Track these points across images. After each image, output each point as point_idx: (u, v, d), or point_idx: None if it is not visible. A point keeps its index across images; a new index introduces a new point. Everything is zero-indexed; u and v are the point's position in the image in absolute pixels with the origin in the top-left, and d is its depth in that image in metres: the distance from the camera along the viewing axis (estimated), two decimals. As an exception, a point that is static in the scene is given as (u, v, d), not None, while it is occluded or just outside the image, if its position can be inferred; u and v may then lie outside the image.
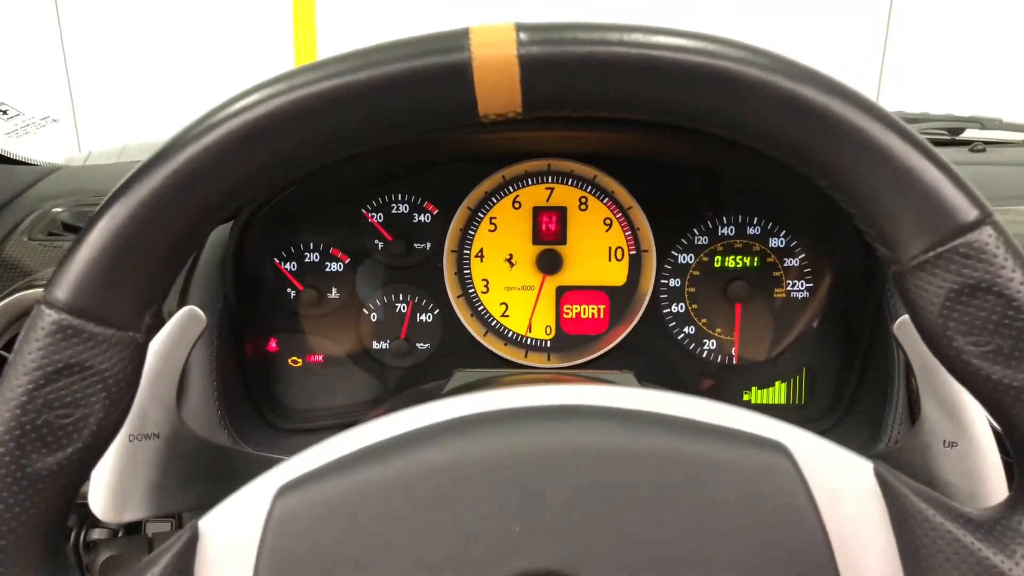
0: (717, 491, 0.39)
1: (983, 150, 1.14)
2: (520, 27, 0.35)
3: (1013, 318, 0.34)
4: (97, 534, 0.72)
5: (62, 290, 0.35)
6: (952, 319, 0.35)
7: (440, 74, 0.35)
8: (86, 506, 0.51)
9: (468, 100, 0.35)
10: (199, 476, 0.55)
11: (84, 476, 0.37)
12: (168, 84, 3.29)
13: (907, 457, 0.53)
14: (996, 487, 0.49)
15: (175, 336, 0.52)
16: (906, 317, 0.50)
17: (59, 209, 0.84)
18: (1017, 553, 0.37)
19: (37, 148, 1.03)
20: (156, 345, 0.51)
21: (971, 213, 0.34)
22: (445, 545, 0.38)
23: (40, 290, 0.69)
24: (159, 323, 0.39)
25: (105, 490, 0.50)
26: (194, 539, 0.40)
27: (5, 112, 1.05)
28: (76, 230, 0.82)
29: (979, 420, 0.50)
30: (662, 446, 0.40)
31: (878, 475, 0.41)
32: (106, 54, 3.35)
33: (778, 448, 0.41)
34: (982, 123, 1.29)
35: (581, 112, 0.37)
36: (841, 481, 0.41)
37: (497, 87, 0.35)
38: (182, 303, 0.72)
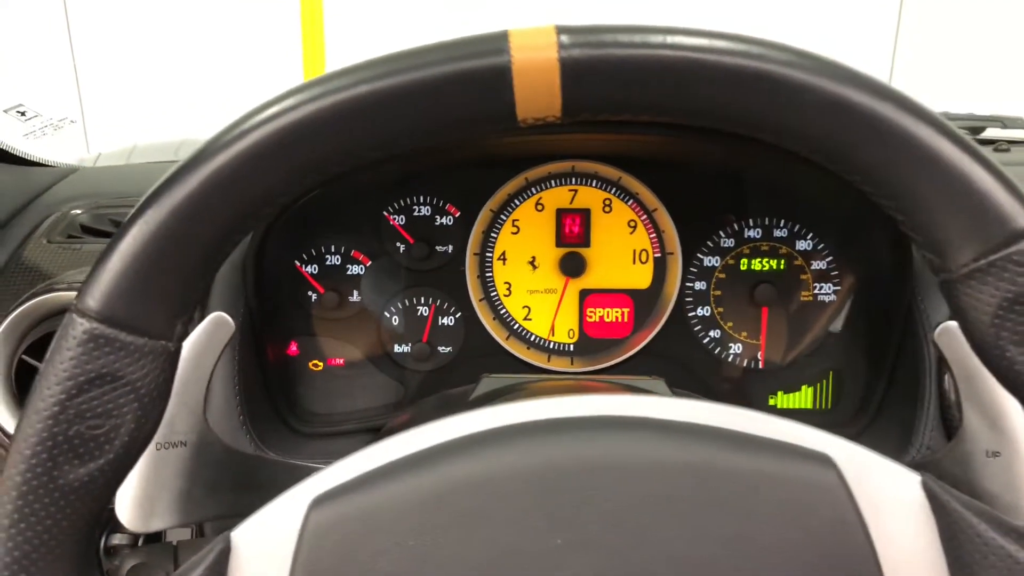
0: (761, 505, 0.38)
1: (1007, 149, 1.12)
2: (561, 29, 0.34)
3: None
4: (118, 539, 0.71)
5: (94, 298, 0.34)
6: (1005, 328, 0.34)
7: (479, 78, 0.34)
8: (108, 511, 0.50)
9: (507, 105, 0.35)
10: (225, 484, 0.55)
11: (115, 487, 0.36)
12: (176, 84, 3.29)
13: (948, 467, 0.52)
14: (1041, 498, 0.48)
15: (203, 343, 0.51)
16: (948, 324, 0.49)
17: (77, 211, 0.83)
18: None
19: (46, 149, 1.02)
20: (185, 352, 0.50)
21: None
22: (483, 559, 0.37)
23: (62, 294, 0.69)
24: (189, 331, 0.38)
25: (131, 499, 0.49)
26: (226, 551, 0.39)
27: (23, 114, 1.05)
28: (95, 232, 0.81)
29: (1023, 430, 0.49)
30: (704, 458, 0.39)
31: (926, 488, 0.40)
32: (114, 55, 3.35)
33: (824, 460, 0.40)
34: (1003, 122, 1.27)
35: (621, 116, 0.36)
36: (888, 494, 0.40)
37: (537, 91, 0.34)
38: (203, 308, 0.72)
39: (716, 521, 0.38)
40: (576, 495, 0.38)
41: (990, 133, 1.26)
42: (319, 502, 0.40)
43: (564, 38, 0.34)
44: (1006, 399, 0.48)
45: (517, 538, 0.38)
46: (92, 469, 0.35)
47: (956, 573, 0.38)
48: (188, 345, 0.51)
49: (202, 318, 0.53)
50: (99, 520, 0.37)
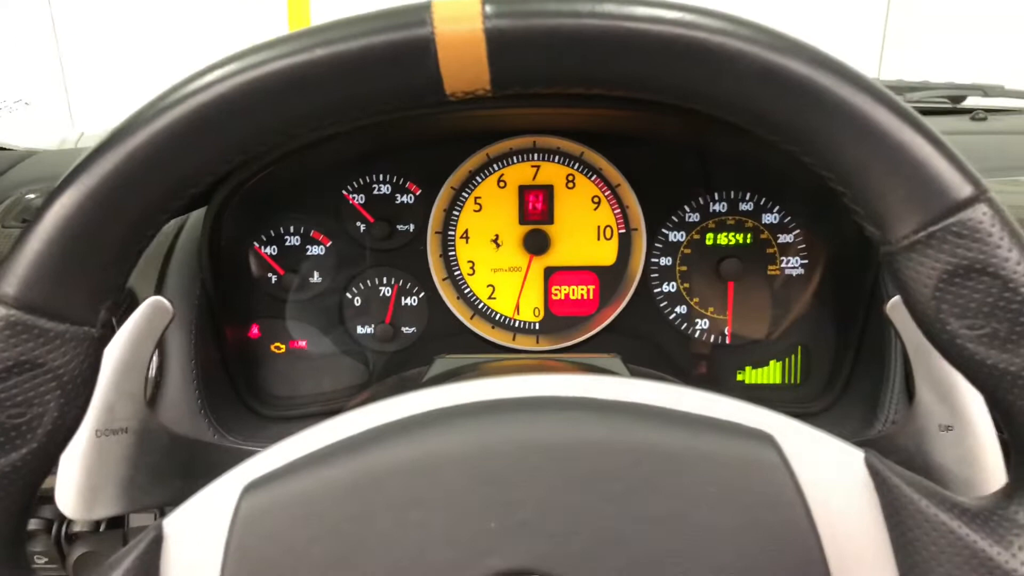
0: (699, 484, 0.38)
1: (984, 118, 1.11)
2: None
3: (1009, 300, 0.32)
4: (78, 527, 0.71)
5: (10, 284, 0.33)
6: (945, 302, 0.33)
7: (401, 51, 0.33)
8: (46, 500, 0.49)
9: (432, 78, 0.33)
10: (173, 471, 0.54)
11: (41, 476, 0.35)
12: (163, 66, 3.25)
13: (901, 442, 0.52)
14: (993, 472, 0.47)
15: (140, 328, 0.50)
16: (898, 298, 0.49)
17: (33, 195, 0.82)
18: (1014, 544, 0.35)
19: (29, 132, 1.00)
20: (121, 338, 0.49)
21: (964, 190, 0.32)
22: (418, 544, 0.37)
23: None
24: (115, 317, 0.37)
25: (73, 487, 0.48)
26: (159, 539, 0.38)
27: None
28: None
29: (975, 404, 0.48)
30: (641, 438, 0.39)
31: (869, 465, 0.39)
32: (99, 36, 3.31)
33: (764, 438, 0.39)
34: (984, 90, 1.26)
35: (553, 89, 0.35)
36: (830, 472, 0.39)
37: (463, 64, 0.33)
38: (159, 291, 0.71)
39: (653, 502, 0.37)
40: (510, 478, 0.38)
41: (971, 102, 1.25)
42: (251, 488, 0.39)
43: (489, 8, 0.33)
44: (956, 373, 0.48)
45: (451, 522, 0.37)
46: (14, 459, 0.34)
47: (899, 550, 0.38)
48: (124, 331, 0.50)
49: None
50: (27, 510, 0.36)
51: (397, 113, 0.35)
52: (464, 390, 0.42)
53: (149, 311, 0.51)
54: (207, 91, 0.33)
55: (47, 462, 0.35)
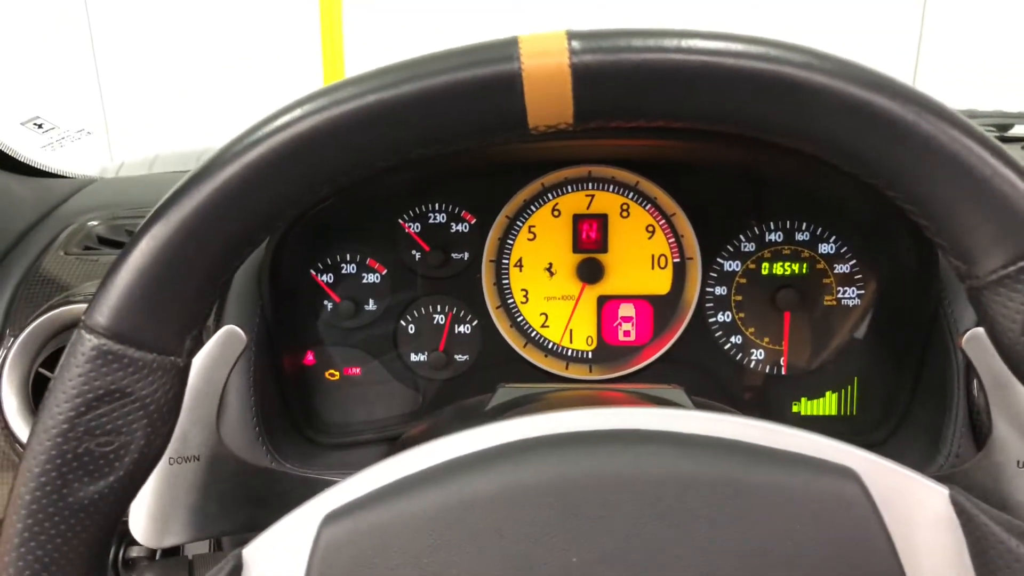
0: (783, 520, 0.37)
1: (1035, 146, 1.10)
2: (572, 35, 0.33)
3: None
4: (135, 552, 0.71)
5: (102, 314, 0.34)
6: None
7: (489, 85, 0.33)
8: (124, 523, 0.50)
9: (518, 112, 0.34)
10: (240, 499, 0.54)
11: (127, 504, 0.36)
12: (198, 94, 3.32)
13: (977, 478, 0.51)
14: (1074, 510, 0.46)
15: (215, 356, 0.51)
16: (977, 331, 0.48)
17: (95, 223, 0.84)
18: None
19: (70, 159, 1.03)
20: (196, 366, 0.50)
21: None
22: (498, 575, 0.37)
23: (78, 306, 0.69)
24: (199, 346, 0.37)
25: (145, 514, 0.49)
26: (238, 568, 0.39)
27: (40, 125, 1.05)
28: (112, 244, 0.82)
29: None
30: (724, 473, 0.38)
31: (955, 502, 0.38)
32: (137, 65, 3.39)
33: (848, 474, 0.39)
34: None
35: (635, 123, 0.35)
36: (916, 509, 0.38)
37: (548, 98, 0.33)
38: (218, 319, 0.71)
39: (736, 537, 0.37)
40: (592, 511, 0.37)
41: (1019, 130, 1.23)
42: (331, 518, 0.39)
43: (575, 43, 0.33)
44: None
45: (532, 555, 0.37)
46: (102, 487, 0.34)
47: None
48: (200, 359, 0.50)
49: (216, 330, 0.52)
50: (110, 537, 0.37)
51: (479, 145, 0.36)
52: (543, 422, 0.42)
53: (224, 339, 0.51)
54: (298, 124, 0.34)
55: (132, 490, 0.36)
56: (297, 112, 0.34)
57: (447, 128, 0.34)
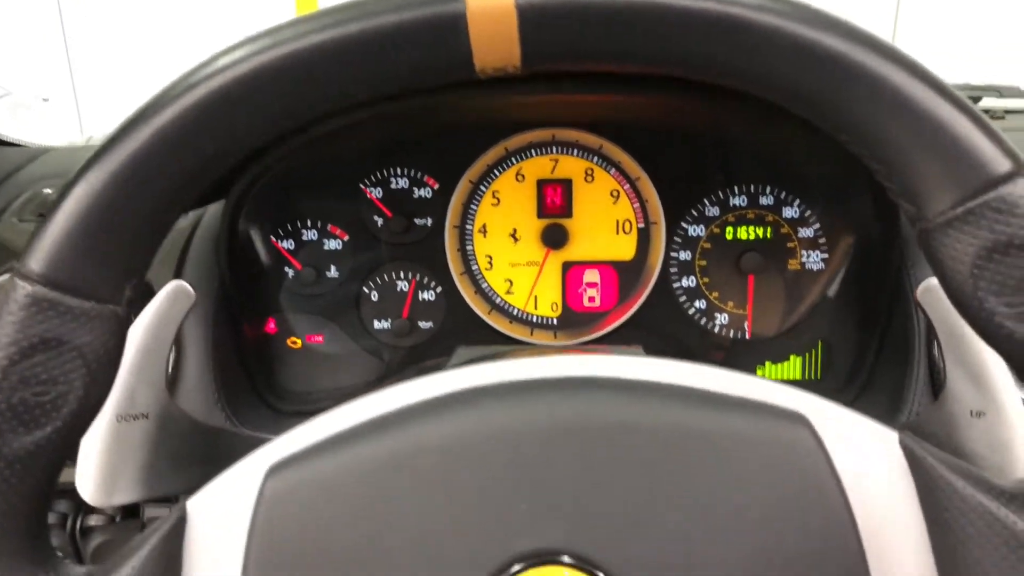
0: (733, 466, 0.37)
1: (1003, 117, 1.11)
2: None
3: None
4: (94, 520, 0.70)
5: (36, 261, 0.33)
6: (983, 279, 0.32)
7: (433, 26, 0.33)
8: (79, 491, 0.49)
9: (463, 53, 0.33)
10: (193, 458, 0.53)
11: (65, 456, 0.35)
12: (171, 68, 3.27)
13: (931, 428, 0.51)
14: (1026, 458, 0.47)
15: (162, 312, 0.50)
16: (931, 281, 0.48)
17: (49, 190, 0.82)
18: None
19: (38, 132, 1.01)
20: (143, 321, 0.49)
21: (1004, 165, 0.32)
22: (446, 525, 0.36)
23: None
24: (140, 297, 0.36)
25: (93, 473, 0.48)
26: (182, 520, 0.38)
27: (-7, 92, 1.03)
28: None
29: (1008, 389, 0.47)
30: (674, 419, 0.38)
31: (904, 446, 0.38)
32: (107, 36, 3.33)
33: (798, 419, 0.39)
34: (1000, 91, 1.25)
35: (584, 66, 0.34)
36: (865, 453, 0.38)
37: (494, 39, 0.33)
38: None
39: (685, 483, 0.37)
40: (541, 459, 0.37)
41: (986, 103, 1.24)
42: (276, 469, 0.38)
43: None
44: (989, 357, 0.47)
45: (480, 504, 0.36)
46: (39, 437, 0.33)
47: (935, 531, 0.37)
48: (147, 315, 0.49)
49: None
50: (48, 491, 0.36)
51: (423, 87, 0.35)
52: (492, 371, 0.41)
53: (171, 295, 0.50)
54: (238, 66, 0.33)
55: (70, 442, 0.35)
56: (237, 54, 0.33)
57: (391, 70, 0.34)
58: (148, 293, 0.52)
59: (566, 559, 0.36)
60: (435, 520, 0.36)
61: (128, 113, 0.34)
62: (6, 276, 0.66)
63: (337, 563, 0.36)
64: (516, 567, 0.36)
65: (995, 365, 0.47)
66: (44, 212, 0.79)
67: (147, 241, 0.35)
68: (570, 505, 0.36)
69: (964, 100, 0.32)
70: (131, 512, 0.71)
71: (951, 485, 0.36)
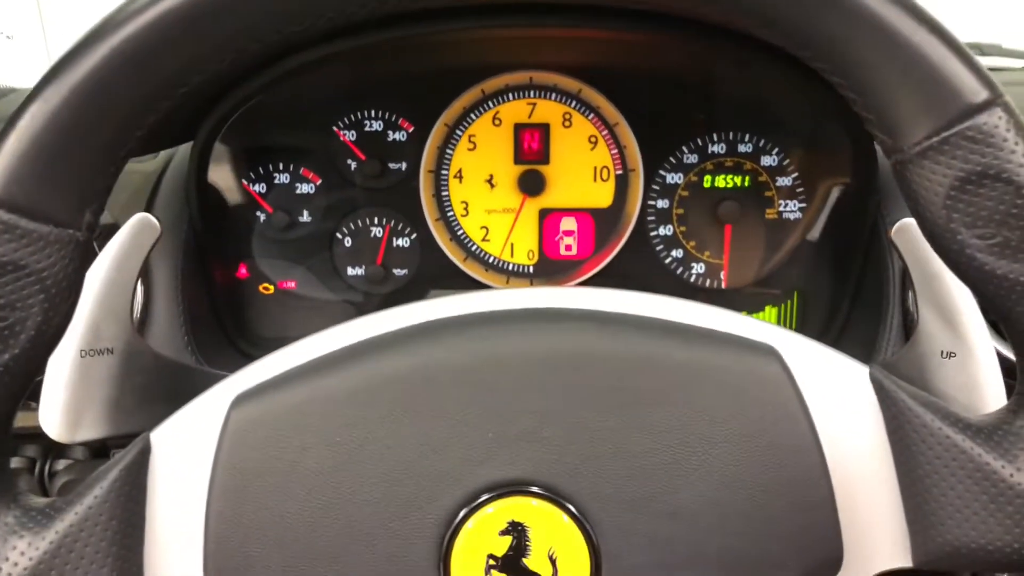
0: (703, 396, 0.37)
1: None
2: None
3: (1022, 208, 0.31)
4: (61, 465, 0.70)
5: None
6: (957, 210, 0.32)
7: None
8: (48, 436, 0.48)
9: None
10: (159, 394, 0.53)
11: (24, 386, 0.34)
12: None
13: (903, 369, 0.51)
14: (995, 398, 0.47)
15: (127, 244, 0.49)
16: (905, 220, 0.48)
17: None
18: (1019, 458, 0.35)
19: (2, 72, 0.98)
20: (107, 254, 0.48)
21: (980, 94, 0.31)
22: (412, 454, 0.36)
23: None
24: (99, 223, 0.35)
25: (57, 408, 0.47)
26: (146, 451, 0.37)
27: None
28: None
29: (979, 329, 0.47)
30: (643, 349, 0.38)
31: (874, 380, 0.38)
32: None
33: (768, 352, 0.38)
34: (981, 49, 1.25)
35: None
36: (834, 385, 0.38)
37: None
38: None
39: (654, 413, 0.36)
40: (509, 388, 0.37)
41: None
42: (241, 400, 0.38)
43: None
44: (962, 297, 0.47)
45: (447, 432, 0.36)
46: None
47: (901, 464, 0.37)
48: (111, 247, 0.48)
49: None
50: (9, 419, 0.35)
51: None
52: (460, 303, 0.41)
53: (135, 227, 0.49)
54: None
55: (30, 370, 0.34)
56: None
57: None
58: (114, 231, 0.51)
59: (534, 489, 0.36)
60: (402, 451, 0.36)
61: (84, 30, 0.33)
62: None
63: (301, 493, 0.36)
64: (483, 497, 0.36)
65: (966, 306, 0.47)
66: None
67: (107, 164, 0.34)
68: (538, 435, 0.36)
69: (942, 27, 0.32)
70: (99, 454, 0.70)
71: (919, 418, 0.36)
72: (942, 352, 0.48)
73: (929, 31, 0.32)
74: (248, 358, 0.76)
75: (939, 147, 0.32)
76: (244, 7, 0.32)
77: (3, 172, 0.31)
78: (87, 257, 0.34)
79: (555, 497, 0.36)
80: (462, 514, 0.36)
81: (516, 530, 0.36)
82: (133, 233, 0.49)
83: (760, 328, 0.40)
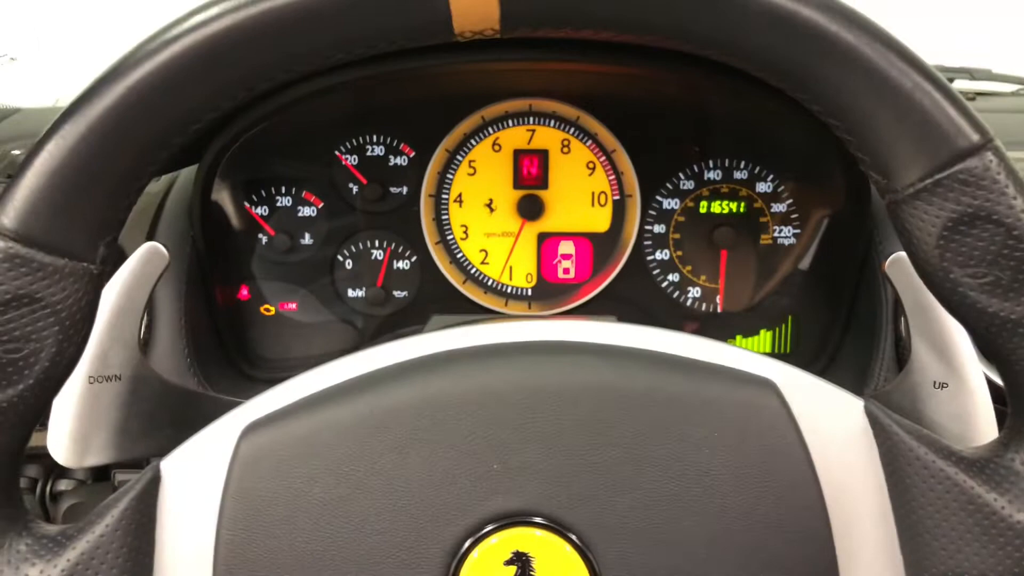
0: (701, 429, 0.38)
1: (973, 99, 1.12)
2: None
3: (1013, 248, 0.32)
4: (64, 485, 0.70)
5: (8, 216, 0.32)
6: (949, 250, 0.33)
7: None
8: (50, 456, 0.48)
9: (442, 14, 0.33)
10: (165, 420, 0.53)
11: (37, 415, 0.35)
12: (141, 28, 3.19)
13: (896, 399, 0.52)
14: (986, 429, 0.48)
15: (136, 273, 0.49)
16: (898, 254, 0.49)
17: (18, 152, 0.80)
18: (1011, 491, 0.35)
19: (6, 92, 0.99)
20: (117, 282, 0.49)
21: (972, 137, 0.32)
22: (419, 485, 0.37)
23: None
24: (115, 256, 0.36)
25: (65, 434, 0.48)
26: (156, 480, 0.38)
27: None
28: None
29: (971, 361, 0.48)
30: (644, 383, 0.39)
31: (869, 413, 0.39)
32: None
33: (766, 385, 0.39)
34: (972, 74, 1.27)
35: (563, 30, 0.34)
36: (830, 419, 0.39)
37: (473, 1, 0.33)
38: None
39: (655, 446, 0.37)
40: (513, 420, 0.37)
41: (959, 85, 1.26)
42: (251, 429, 0.39)
43: None
44: (954, 329, 0.48)
45: (453, 463, 0.37)
46: (11, 395, 0.33)
47: (896, 497, 0.38)
48: (120, 275, 0.49)
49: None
50: (20, 450, 0.36)
51: (400, 48, 0.35)
52: (467, 335, 0.42)
53: (145, 256, 0.50)
54: (215, 23, 0.32)
55: (44, 400, 0.35)
56: (213, 11, 0.33)
57: (369, 31, 0.34)
58: (120, 257, 0.52)
59: (538, 520, 0.37)
60: (408, 481, 0.37)
61: (102, 69, 0.34)
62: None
63: (308, 523, 0.36)
64: (488, 527, 0.36)
65: (959, 337, 0.48)
66: (13, 173, 0.78)
67: (121, 198, 0.34)
68: (542, 467, 0.37)
69: (935, 73, 0.33)
70: (101, 476, 0.71)
71: (913, 451, 0.37)
72: (934, 382, 0.49)
73: (921, 76, 0.33)
74: (248, 379, 0.77)
75: (932, 189, 0.33)
76: (257, 48, 0.33)
77: (22, 207, 0.32)
78: (100, 288, 0.35)
79: (558, 527, 0.36)
80: (467, 544, 0.36)
81: (520, 560, 0.36)
82: (142, 261, 0.50)
83: (758, 361, 0.41)
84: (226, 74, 0.33)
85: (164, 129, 0.34)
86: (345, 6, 0.33)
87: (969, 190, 0.32)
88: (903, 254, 0.48)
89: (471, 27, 0.34)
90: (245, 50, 0.33)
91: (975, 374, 0.48)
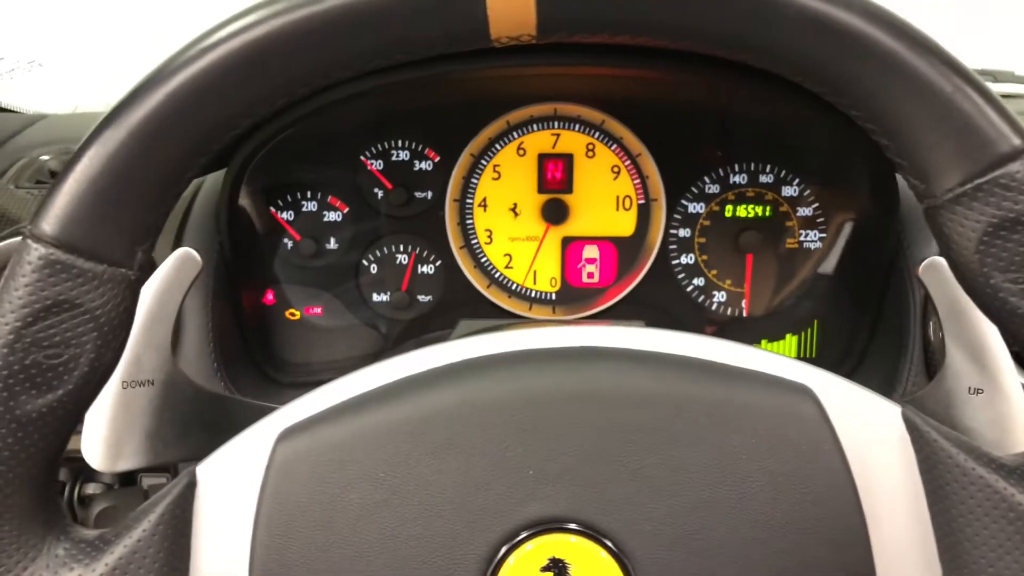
0: (739, 435, 0.37)
1: (997, 102, 1.11)
2: None
3: None
4: (92, 488, 0.70)
5: (49, 223, 0.32)
6: (990, 255, 0.33)
7: None
8: (80, 460, 0.49)
9: (479, 20, 0.33)
10: (196, 425, 0.53)
11: (76, 419, 0.35)
12: (159, 38, 3.21)
13: (929, 405, 0.52)
14: (1022, 435, 0.47)
15: (169, 278, 0.50)
16: (934, 259, 0.48)
17: (46, 157, 0.81)
18: None
19: (32, 98, 1.00)
20: (150, 288, 0.49)
21: (1013, 141, 0.32)
22: (455, 490, 0.37)
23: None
24: (152, 262, 0.36)
25: (98, 438, 0.48)
26: (192, 485, 0.38)
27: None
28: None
29: (1007, 366, 0.48)
30: (682, 389, 0.39)
31: (906, 419, 0.39)
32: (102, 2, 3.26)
33: (803, 391, 0.39)
34: (995, 76, 1.26)
35: (598, 36, 0.34)
36: (868, 425, 0.39)
37: (511, 6, 0.33)
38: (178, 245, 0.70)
39: (692, 452, 0.37)
40: (550, 426, 0.37)
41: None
42: (287, 435, 0.39)
43: None
44: (990, 335, 0.48)
45: (489, 469, 0.37)
46: (51, 400, 0.34)
47: (935, 504, 0.38)
48: (153, 281, 0.49)
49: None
50: (59, 454, 0.36)
51: (440, 53, 0.35)
52: (502, 340, 0.42)
53: (178, 262, 0.50)
54: (255, 29, 0.33)
55: (82, 405, 0.35)
56: (253, 17, 0.33)
57: (407, 38, 0.34)
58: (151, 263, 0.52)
59: (573, 527, 0.36)
60: (444, 487, 0.37)
61: (138, 78, 0.34)
62: (18, 238, 0.66)
63: (345, 528, 0.36)
64: (523, 534, 0.36)
65: (995, 343, 0.48)
66: (42, 179, 0.78)
67: (159, 205, 0.35)
68: (577, 473, 0.37)
69: (975, 76, 0.33)
70: (127, 481, 0.71)
71: (952, 458, 0.37)
72: (969, 388, 0.49)
73: (961, 79, 0.32)
74: (274, 383, 0.78)
75: (972, 194, 0.33)
76: (297, 55, 0.33)
77: (62, 213, 0.33)
78: (138, 294, 0.36)
79: (594, 534, 0.36)
80: (503, 550, 0.36)
81: (557, 566, 0.36)
82: (176, 267, 0.50)
83: (794, 367, 0.41)
84: (266, 80, 0.34)
85: (203, 135, 0.34)
86: (384, 13, 0.33)
87: (1010, 195, 0.32)
88: (938, 259, 0.48)
89: (508, 33, 0.34)
90: (285, 57, 0.33)
91: (1012, 380, 0.48)
